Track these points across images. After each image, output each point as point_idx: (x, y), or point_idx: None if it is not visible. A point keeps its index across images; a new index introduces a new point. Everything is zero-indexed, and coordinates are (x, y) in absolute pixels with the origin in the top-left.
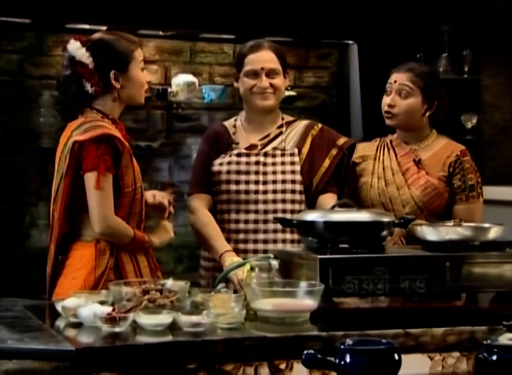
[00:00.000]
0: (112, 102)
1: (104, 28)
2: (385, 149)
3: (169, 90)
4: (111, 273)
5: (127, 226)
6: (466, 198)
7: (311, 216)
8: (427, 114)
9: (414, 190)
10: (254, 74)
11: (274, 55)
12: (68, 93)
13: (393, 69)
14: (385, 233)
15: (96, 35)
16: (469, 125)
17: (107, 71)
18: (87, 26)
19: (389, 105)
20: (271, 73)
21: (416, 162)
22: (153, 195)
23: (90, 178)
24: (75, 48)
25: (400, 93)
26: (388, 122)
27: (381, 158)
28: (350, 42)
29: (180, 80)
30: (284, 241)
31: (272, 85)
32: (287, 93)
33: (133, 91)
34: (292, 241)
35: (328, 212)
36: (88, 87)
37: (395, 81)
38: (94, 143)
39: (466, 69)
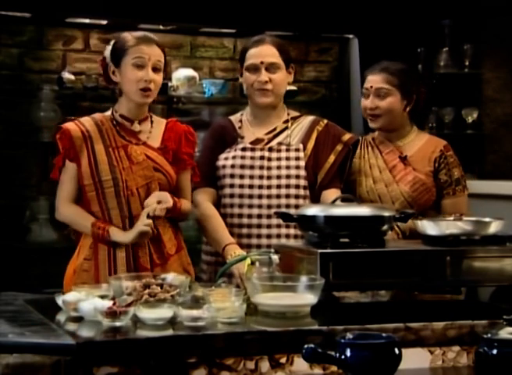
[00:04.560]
0: (120, 97)
1: (104, 22)
2: (369, 147)
3: (170, 84)
4: (85, 264)
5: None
6: (453, 192)
7: (312, 210)
8: (407, 109)
9: (402, 186)
10: (255, 69)
11: (275, 49)
12: None
13: (367, 70)
14: (385, 227)
15: None
16: (469, 119)
17: (108, 64)
18: (87, 21)
19: (371, 109)
20: (271, 68)
21: (402, 159)
22: None
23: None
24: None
25: (379, 95)
26: (372, 125)
27: (365, 156)
28: (351, 36)
29: (181, 74)
30: (288, 236)
31: (270, 80)
32: (288, 87)
33: (126, 88)
34: (295, 236)
35: (328, 206)
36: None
37: (371, 86)
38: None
39: (466, 64)
